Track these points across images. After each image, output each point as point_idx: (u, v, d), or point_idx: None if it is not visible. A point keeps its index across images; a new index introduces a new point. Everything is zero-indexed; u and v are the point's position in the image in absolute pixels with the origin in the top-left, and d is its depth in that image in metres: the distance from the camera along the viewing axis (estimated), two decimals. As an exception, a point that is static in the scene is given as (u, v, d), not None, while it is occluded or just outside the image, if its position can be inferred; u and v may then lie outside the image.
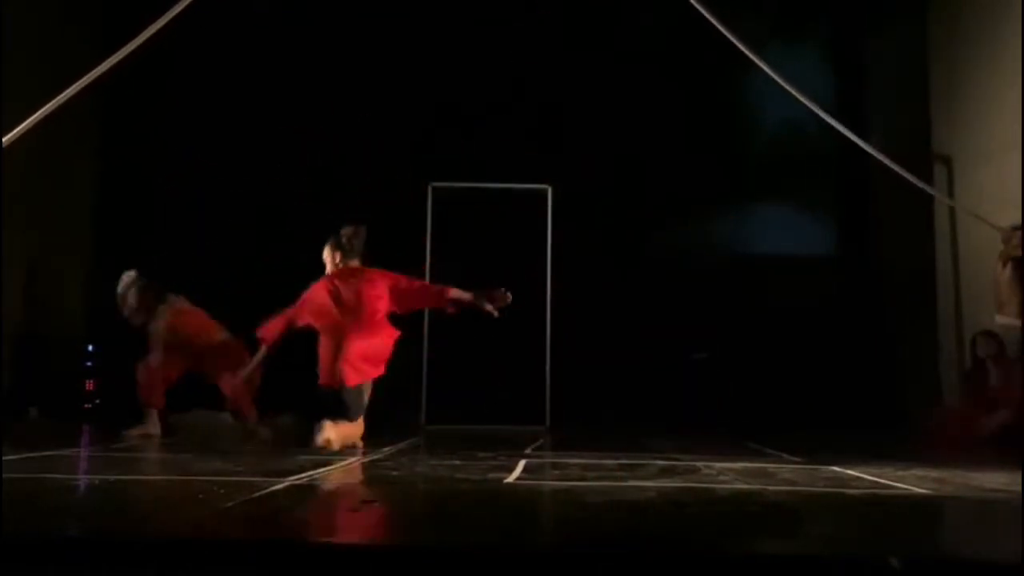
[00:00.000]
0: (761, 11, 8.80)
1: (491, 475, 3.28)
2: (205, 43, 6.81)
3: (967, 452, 4.92)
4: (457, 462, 3.78)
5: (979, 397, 6.20)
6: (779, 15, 8.84)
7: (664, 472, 3.40)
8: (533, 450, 4.63)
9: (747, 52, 5.32)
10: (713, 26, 5.86)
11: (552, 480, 3.24)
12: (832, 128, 7.18)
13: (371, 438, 4.42)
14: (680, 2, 5.95)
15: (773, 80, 6.85)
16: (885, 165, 6.60)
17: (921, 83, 8.32)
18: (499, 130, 8.21)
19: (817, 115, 6.84)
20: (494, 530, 2.17)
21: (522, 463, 3.74)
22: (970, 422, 6.10)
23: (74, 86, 4.16)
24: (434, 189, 7.80)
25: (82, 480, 3.19)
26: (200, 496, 2.58)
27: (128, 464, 3.83)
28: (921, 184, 6.23)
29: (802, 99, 5.47)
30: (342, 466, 3.44)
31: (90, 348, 7.73)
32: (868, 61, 8.78)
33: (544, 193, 7.67)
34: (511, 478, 3.18)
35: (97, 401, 7.63)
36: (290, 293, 8.19)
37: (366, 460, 3.83)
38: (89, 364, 7.73)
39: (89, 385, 7.73)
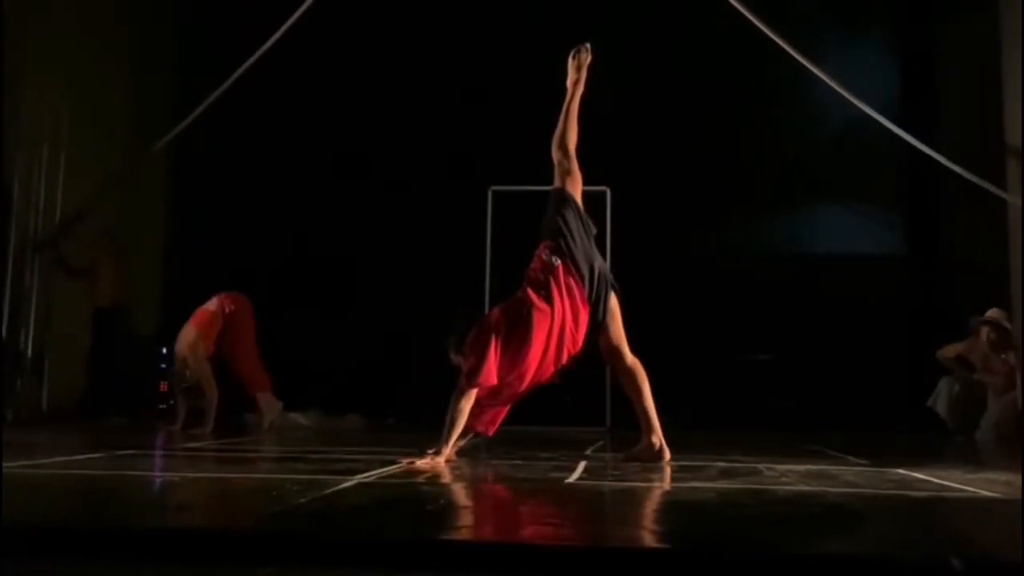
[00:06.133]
0: (826, 2, 8.67)
1: (552, 475, 3.33)
2: (272, 52, 7.02)
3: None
4: (518, 462, 3.84)
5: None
6: (844, 6, 8.69)
7: (725, 474, 3.40)
8: (594, 451, 4.66)
9: (804, 61, 5.26)
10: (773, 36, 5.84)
11: (612, 481, 3.27)
12: (897, 123, 7.05)
13: (434, 439, 4.48)
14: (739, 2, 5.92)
15: (836, 75, 6.77)
16: (953, 159, 6.47)
17: (992, 73, 8.08)
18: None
19: (881, 110, 6.73)
20: (555, 528, 2.22)
21: (583, 464, 3.78)
22: None
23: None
24: (494, 193, 7.88)
25: (162, 477, 3.34)
26: (274, 493, 2.69)
27: (205, 463, 3.99)
28: (985, 184, 6.07)
29: (860, 104, 5.38)
30: (407, 465, 3.53)
31: (164, 351, 8.00)
32: (936, 51, 8.56)
33: (603, 195, 7.67)
34: (572, 478, 3.23)
35: (172, 402, 7.89)
36: (356, 292, 8.34)
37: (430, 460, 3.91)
38: (163, 366, 7.99)
39: (163, 386, 7.99)
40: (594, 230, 3.95)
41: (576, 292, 3.75)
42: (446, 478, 3.23)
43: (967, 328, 6.76)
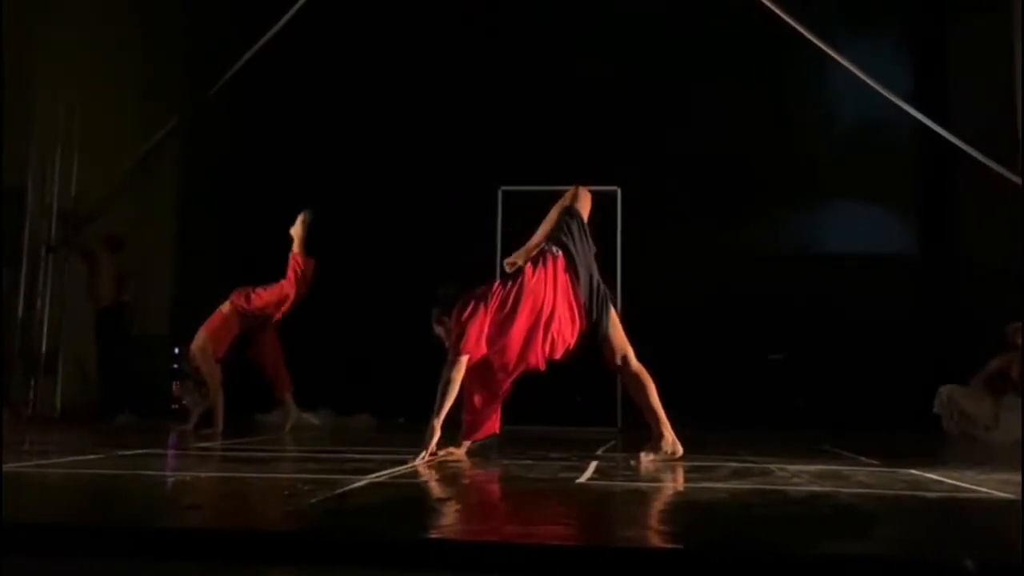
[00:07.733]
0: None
1: (563, 475, 3.33)
2: (287, 48, 7.06)
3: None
4: (529, 462, 3.84)
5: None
6: (857, 1, 8.66)
7: (737, 474, 3.39)
8: (605, 451, 4.65)
9: (825, 47, 5.24)
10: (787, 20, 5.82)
11: (623, 481, 3.26)
12: (910, 121, 7.01)
13: (444, 439, 4.49)
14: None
15: (848, 73, 6.74)
16: (968, 157, 6.42)
17: (1006, 67, 8.02)
18: (567, 133, 8.25)
19: (895, 108, 6.70)
20: (566, 528, 2.22)
21: (593, 464, 3.78)
22: None
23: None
24: (504, 193, 7.89)
25: (174, 477, 3.35)
26: (286, 493, 2.70)
27: (216, 462, 4.01)
28: (1005, 171, 6.04)
29: (881, 89, 5.36)
30: (418, 464, 3.54)
31: (176, 351, 8.02)
32: (949, 46, 8.51)
33: (613, 195, 7.66)
34: (583, 478, 3.23)
35: (184, 402, 7.92)
36: (365, 292, 8.34)
37: (441, 459, 3.91)
38: (175, 366, 8.02)
39: (175, 387, 8.01)
40: (594, 249, 4.02)
41: (571, 291, 3.80)
42: (457, 478, 3.23)
43: (1000, 335, 6.75)
